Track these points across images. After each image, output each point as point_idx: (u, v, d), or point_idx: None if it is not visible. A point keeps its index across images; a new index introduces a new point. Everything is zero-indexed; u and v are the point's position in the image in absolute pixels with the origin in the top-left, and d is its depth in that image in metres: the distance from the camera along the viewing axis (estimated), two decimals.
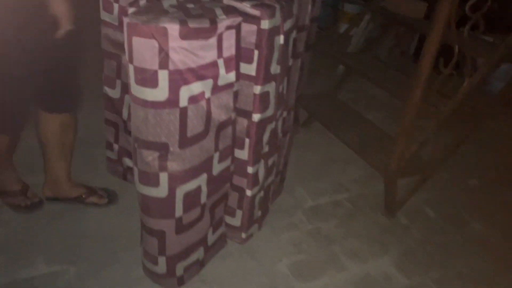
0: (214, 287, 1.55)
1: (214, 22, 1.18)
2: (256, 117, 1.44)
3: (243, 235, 1.70)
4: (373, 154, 1.98)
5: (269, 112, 1.49)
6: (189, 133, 1.27)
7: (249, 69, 1.36)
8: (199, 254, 1.54)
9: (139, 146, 1.25)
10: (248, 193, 1.59)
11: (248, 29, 1.29)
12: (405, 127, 1.75)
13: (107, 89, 1.75)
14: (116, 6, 1.52)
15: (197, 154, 1.33)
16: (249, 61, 1.35)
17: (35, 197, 1.77)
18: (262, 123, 1.48)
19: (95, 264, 1.56)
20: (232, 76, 1.33)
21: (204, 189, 1.42)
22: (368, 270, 1.72)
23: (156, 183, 1.29)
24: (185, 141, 1.26)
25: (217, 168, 1.45)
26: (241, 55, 1.34)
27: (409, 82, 1.78)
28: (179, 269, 1.48)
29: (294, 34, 1.51)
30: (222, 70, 1.29)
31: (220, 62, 1.27)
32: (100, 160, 2.01)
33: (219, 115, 1.35)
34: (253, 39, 1.31)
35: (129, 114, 1.65)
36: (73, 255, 1.58)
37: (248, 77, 1.38)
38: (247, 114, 1.45)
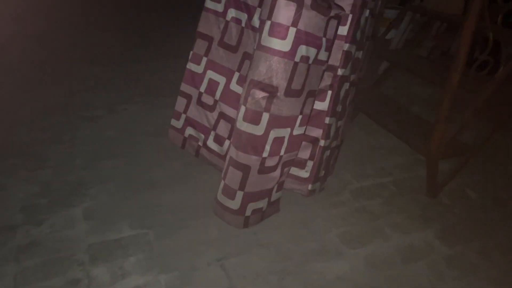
0: (271, 249, 1.76)
1: (329, 6, 1.54)
2: (340, 71, 1.74)
3: (310, 187, 1.93)
4: (415, 138, 2.14)
5: (347, 71, 1.78)
6: (293, 85, 1.58)
7: (342, 30, 1.69)
8: (264, 203, 1.79)
9: (254, 86, 1.57)
10: (322, 143, 1.85)
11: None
12: (444, 110, 1.91)
13: (191, 65, 2.04)
14: None
15: (291, 107, 1.63)
16: (344, 23, 1.67)
17: None
18: (342, 79, 1.78)
19: (169, 229, 1.81)
20: (326, 55, 1.65)
21: (285, 142, 1.70)
22: (412, 240, 1.87)
23: (257, 121, 1.60)
24: (289, 91, 1.59)
25: (296, 130, 1.72)
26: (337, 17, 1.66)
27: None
28: (249, 210, 1.75)
29: (370, 17, 1.81)
30: (323, 47, 1.61)
31: (324, 40, 1.60)
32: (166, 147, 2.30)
33: (310, 83, 1.65)
34: (350, 5, 1.64)
35: (207, 85, 1.98)
36: (151, 221, 1.84)
37: (340, 37, 1.71)
38: (334, 69, 1.75)
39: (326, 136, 1.85)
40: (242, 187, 1.69)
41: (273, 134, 1.64)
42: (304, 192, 1.96)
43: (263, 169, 1.69)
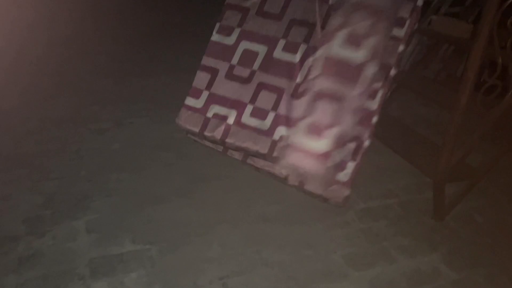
0: (275, 269, 1.73)
1: None
2: (393, 72, 1.80)
3: (346, 192, 1.84)
4: (421, 160, 2.12)
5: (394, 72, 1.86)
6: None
7: (399, 32, 1.81)
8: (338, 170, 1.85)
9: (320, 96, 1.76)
10: (366, 143, 1.83)
11: (407, 5, 1.77)
12: (451, 133, 1.90)
13: (218, 36, 1.95)
14: None
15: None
16: (402, 26, 1.81)
17: None
18: (392, 80, 1.85)
19: (171, 245, 1.79)
20: (399, 32, 1.84)
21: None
22: (418, 264, 1.84)
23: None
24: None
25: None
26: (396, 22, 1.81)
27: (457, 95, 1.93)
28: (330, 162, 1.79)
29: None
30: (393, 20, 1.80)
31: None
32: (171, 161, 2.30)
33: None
34: (408, 11, 1.79)
35: (241, 57, 1.90)
36: (153, 237, 1.83)
37: (397, 39, 1.81)
38: (388, 68, 1.79)
39: (370, 136, 1.83)
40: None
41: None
42: (339, 199, 1.83)
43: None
